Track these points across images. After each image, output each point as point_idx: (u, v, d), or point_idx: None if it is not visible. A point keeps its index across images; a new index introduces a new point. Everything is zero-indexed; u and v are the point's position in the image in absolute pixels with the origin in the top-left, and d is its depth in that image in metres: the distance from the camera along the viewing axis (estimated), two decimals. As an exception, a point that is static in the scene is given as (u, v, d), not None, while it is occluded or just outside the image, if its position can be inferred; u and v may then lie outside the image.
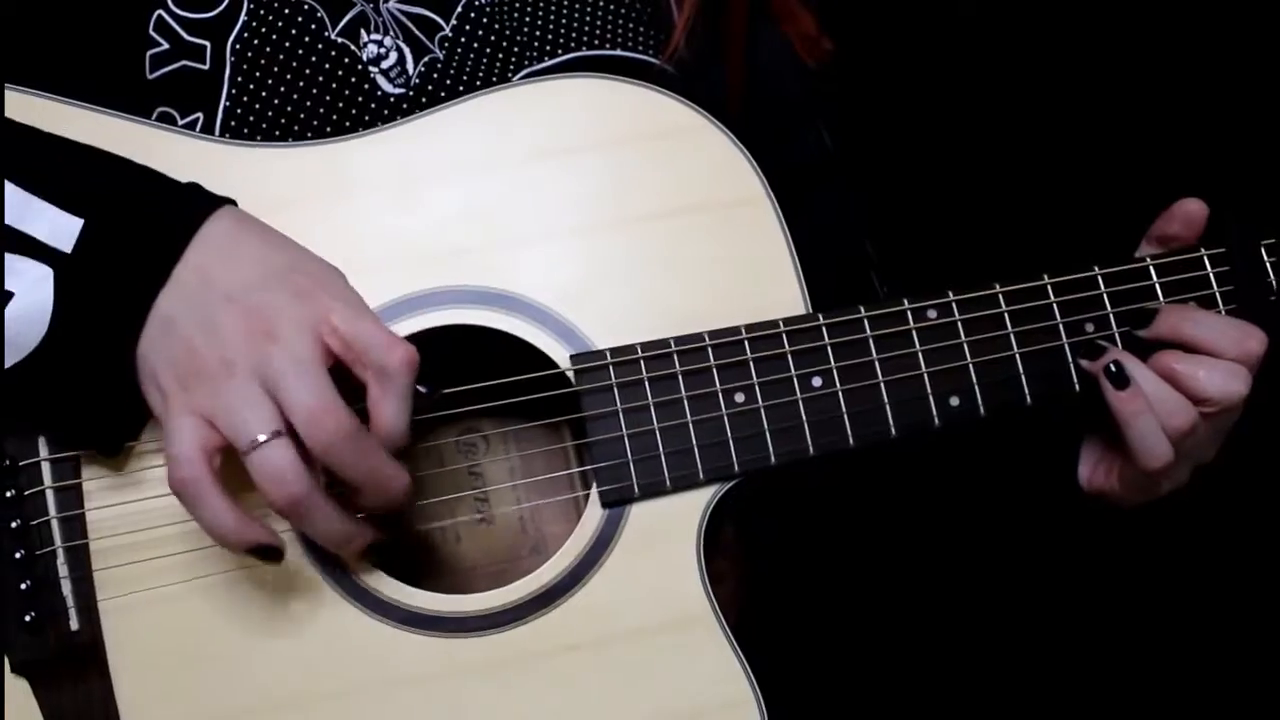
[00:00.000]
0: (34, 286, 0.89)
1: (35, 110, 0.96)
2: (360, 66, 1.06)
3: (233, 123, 1.02)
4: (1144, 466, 1.02)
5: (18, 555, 0.92)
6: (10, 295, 0.89)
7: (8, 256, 0.89)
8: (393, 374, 0.89)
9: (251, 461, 0.86)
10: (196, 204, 0.92)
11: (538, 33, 1.13)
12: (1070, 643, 1.91)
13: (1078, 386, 1.05)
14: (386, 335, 0.89)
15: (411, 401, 0.90)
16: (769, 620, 1.21)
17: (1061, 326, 1.05)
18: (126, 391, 0.91)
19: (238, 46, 1.03)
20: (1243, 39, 1.74)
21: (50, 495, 0.93)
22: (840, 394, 1.02)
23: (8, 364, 0.89)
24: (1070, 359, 1.05)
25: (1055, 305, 1.05)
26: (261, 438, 0.86)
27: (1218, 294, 1.08)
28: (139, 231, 0.90)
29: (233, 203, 0.94)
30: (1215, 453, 1.08)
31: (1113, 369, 1.01)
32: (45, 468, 0.93)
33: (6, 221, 0.89)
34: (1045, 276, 1.06)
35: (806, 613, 1.79)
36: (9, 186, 0.90)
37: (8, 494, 0.93)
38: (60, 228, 0.89)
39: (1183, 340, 1.03)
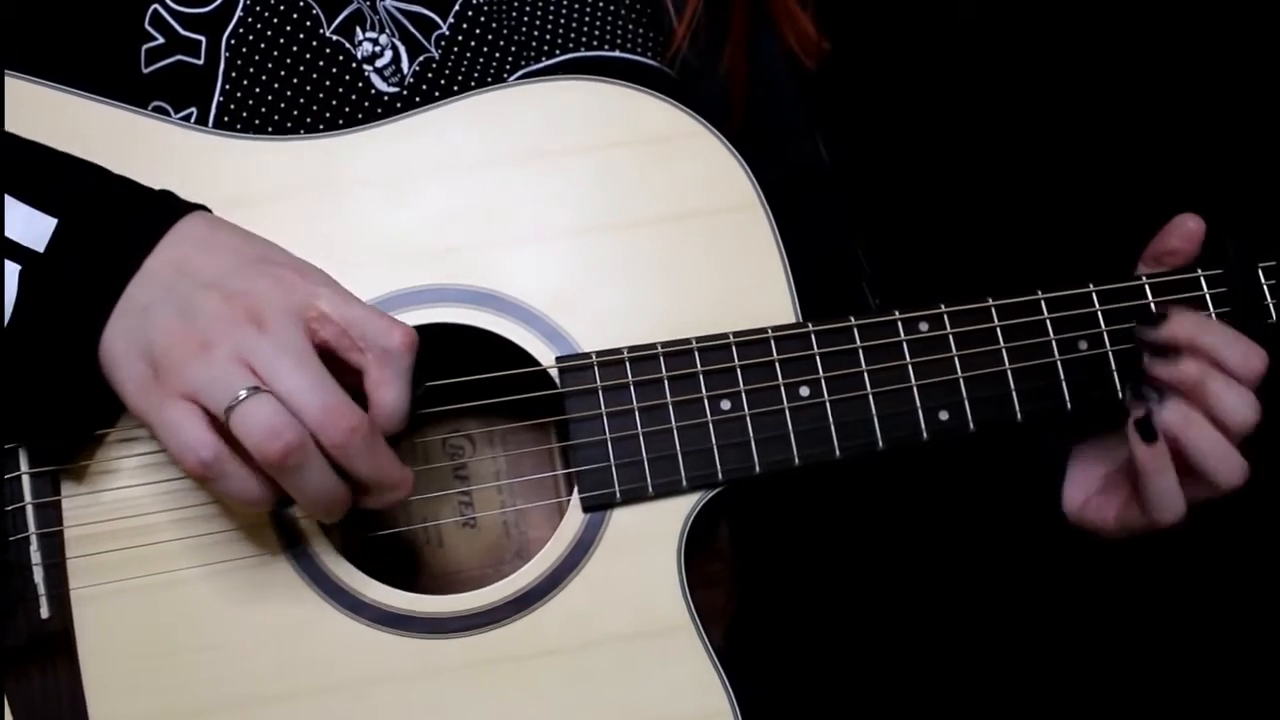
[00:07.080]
0: None
1: (27, 96, 0.95)
2: (354, 65, 1.05)
3: (226, 118, 1.02)
4: (1155, 519, 1.00)
5: (-10, 541, 0.91)
6: None
7: None
8: (395, 355, 0.87)
9: (237, 421, 0.82)
10: (170, 204, 0.91)
11: (535, 32, 1.12)
12: (1060, 653, 1.90)
13: (1069, 404, 1.04)
14: (384, 317, 0.88)
15: (410, 386, 0.89)
16: (761, 623, 1.20)
17: (1054, 343, 1.04)
18: (90, 381, 0.88)
19: (233, 42, 1.03)
20: (1245, 59, 1.74)
21: (26, 481, 0.92)
22: (828, 404, 1.01)
23: None
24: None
25: (1049, 321, 1.04)
26: (242, 394, 0.82)
27: (1213, 316, 1.06)
28: (110, 228, 0.89)
29: (206, 209, 0.92)
30: None
31: (1141, 419, 0.98)
32: (22, 455, 0.92)
33: None
34: (1039, 292, 1.05)
35: (799, 615, 1.78)
36: None
37: (-18, 480, 0.92)
38: (34, 228, 0.87)
39: (1200, 348, 1.00)
